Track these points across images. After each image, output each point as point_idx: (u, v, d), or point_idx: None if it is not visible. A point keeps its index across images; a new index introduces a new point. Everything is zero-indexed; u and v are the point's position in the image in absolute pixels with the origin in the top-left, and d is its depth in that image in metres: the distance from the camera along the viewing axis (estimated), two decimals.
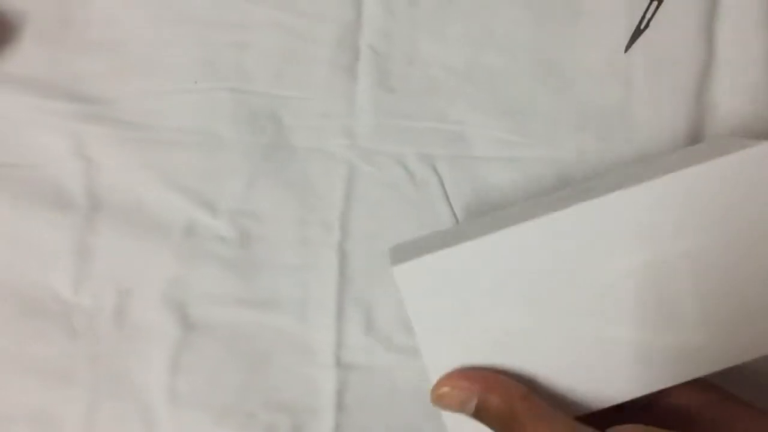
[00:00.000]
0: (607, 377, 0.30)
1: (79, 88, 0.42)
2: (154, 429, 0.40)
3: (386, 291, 0.41)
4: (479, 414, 0.30)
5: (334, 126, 0.42)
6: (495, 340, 0.31)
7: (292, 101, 0.42)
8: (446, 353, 0.31)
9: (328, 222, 0.41)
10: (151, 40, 0.42)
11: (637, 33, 0.39)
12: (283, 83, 0.42)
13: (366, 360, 0.41)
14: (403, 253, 0.32)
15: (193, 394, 0.40)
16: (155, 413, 0.40)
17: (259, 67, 0.42)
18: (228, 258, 0.41)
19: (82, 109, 0.41)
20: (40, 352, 0.40)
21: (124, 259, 0.41)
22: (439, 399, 0.31)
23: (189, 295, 0.41)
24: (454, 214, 0.41)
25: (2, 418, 0.39)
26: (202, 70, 0.42)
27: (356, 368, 0.41)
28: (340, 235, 0.41)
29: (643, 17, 0.39)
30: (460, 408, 0.31)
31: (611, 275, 0.29)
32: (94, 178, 0.41)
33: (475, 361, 0.31)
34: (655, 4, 0.39)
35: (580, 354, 0.30)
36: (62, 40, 0.42)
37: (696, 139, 0.40)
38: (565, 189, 0.36)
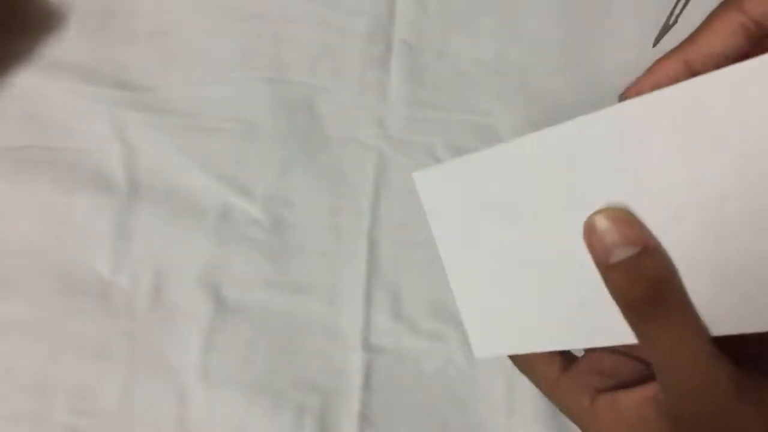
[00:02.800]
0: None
1: (122, 76, 0.43)
2: (187, 405, 0.41)
3: (413, 277, 0.42)
4: (618, 272, 0.25)
5: (366, 116, 0.43)
6: (511, 252, 0.27)
7: (326, 92, 0.43)
8: (467, 261, 0.28)
9: (358, 209, 0.42)
10: (192, 30, 0.44)
11: (666, 28, 0.40)
12: (318, 74, 0.43)
13: (393, 344, 0.42)
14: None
15: (224, 372, 0.41)
16: (188, 390, 0.41)
17: (295, 58, 0.43)
18: (261, 242, 0.42)
19: (124, 96, 0.43)
20: (79, 329, 0.41)
21: (162, 241, 0.42)
22: (589, 230, 0.25)
23: (223, 277, 0.42)
24: None
25: (42, 390, 0.41)
26: (241, 60, 0.43)
27: (383, 351, 0.42)
28: (370, 222, 0.42)
29: (672, 12, 0.40)
30: (604, 253, 0.25)
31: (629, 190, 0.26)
32: (135, 162, 0.43)
33: (495, 270, 0.28)
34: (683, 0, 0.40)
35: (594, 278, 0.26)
36: (107, 29, 0.44)
37: None
38: None
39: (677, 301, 0.25)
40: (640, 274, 0.25)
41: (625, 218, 0.25)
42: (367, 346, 0.42)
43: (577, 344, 0.27)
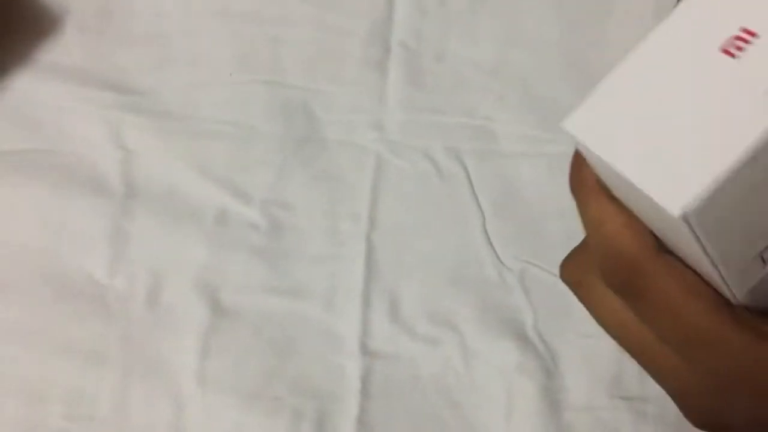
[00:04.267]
0: None
1: (118, 79, 0.43)
2: (184, 410, 0.41)
3: (412, 281, 0.42)
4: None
5: (364, 120, 0.43)
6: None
7: (324, 95, 0.43)
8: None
9: (356, 213, 0.42)
10: (189, 32, 0.43)
11: None
12: (315, 77, 0.43)
13: (391, 348, 0.41)
14: None
15: (221, 377, 0.41)
16: (185, 395, 0.41)
17: (293, 60, 0.43)
18: (258, 246, 0.42)
19: (120, 98, 0.43)
20: (75, 333, 0.41)
21: (158, 245, 0.42)
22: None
23: (220, 281, 0.42)
24: (480, 208, 0.42)
25: (38, 396, 0.40)
26: (239, 62, 0.43)
27: (381, 356, 0.41)
28: (368, 226, 0.42)
29: None
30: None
31: None
32: (131, 165, 0.43)
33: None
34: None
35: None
36: (103, 31, 0.43)
37: None
38: None
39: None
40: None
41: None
42: (366, 351, 0.41)
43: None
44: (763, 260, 0.24)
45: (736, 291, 0.24)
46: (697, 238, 0.21)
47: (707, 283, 0.24)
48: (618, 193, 0.24)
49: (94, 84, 0.43)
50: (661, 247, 0.25)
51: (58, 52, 0.43)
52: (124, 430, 0.40)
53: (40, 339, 0.41)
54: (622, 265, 0.25)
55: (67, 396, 0.41)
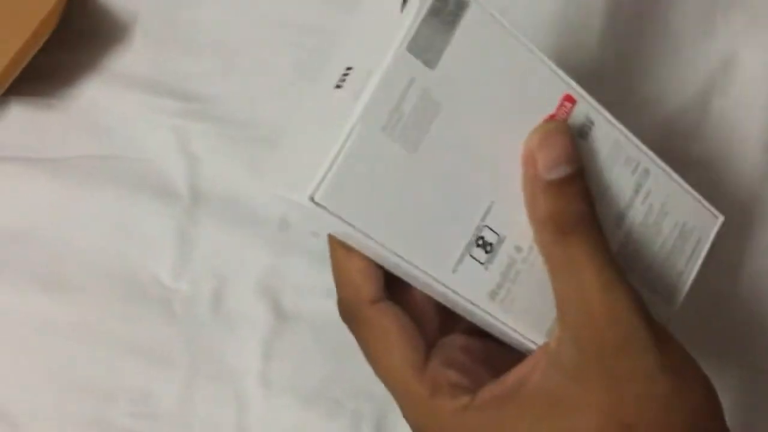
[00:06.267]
0: None
1: (183, 87, 0.44)
2: (246, 411, 0.42)
3: None
4: (556, 188, 0.25)
5: None
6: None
7: None
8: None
9: None
10: (252, 42, 0.45)
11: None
12: None
13: None
14: None
15: (283, 379, 0.42)
16: (248, 396, 0.42)
17: None
18: (319, 252, 0.43)
19: (186, 106, 0.44)
20: (141, 334, 0.42)
21: (222, 250, 0.43)
22: (531, 143, 0.26)
23: (281, 285, 0.43)
24: None
25: (105, 395, 0.42)
26: (299, 73, 0.44)
27: None
28: None
29: None
30: (545, 168, 0.25)
31: None
32: (197, 172, 0.44)
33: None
34: None
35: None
36: (170, 41, 0.45)
37: None
38: None
39: (598, 227, 0.25)
40: (577, 193, 0.25)
41: (568, 134, 0.25)
42: None
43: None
44: (472, 257, 0.26)
45: (463, 291, 0.26)
46: (354, 227, 0.24)
47: (410, 335, 0.27)
48: (346, 239, 0.27)
49: (161, 91, 0.44)
50: (379, 296, 0.27)
51: (127, 60, 0.44)
52: (189, 429, 0.42)
53: (107, 339, 0.42)
54: (342, 311, 0.28)
55: (133, 395, 0.42)
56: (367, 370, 0.42)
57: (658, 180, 0.30)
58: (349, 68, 0.26)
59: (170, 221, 0.43)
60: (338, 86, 0.26)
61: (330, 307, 0.43)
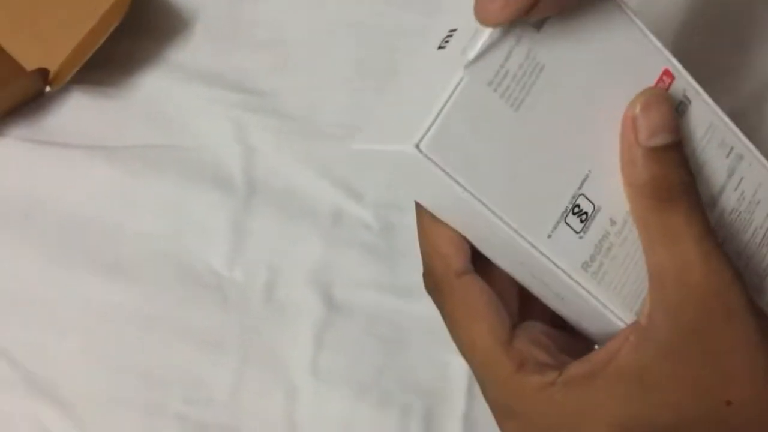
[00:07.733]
0: None
1: (243, 81, 0.45)
2: (296, 399, 0.42)
3: None
4: (657, 155, 0.25)
5: None
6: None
7: None
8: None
9: None
10: (310, 39, 0.46)
11: None
12: None
13: None
14: None
15: (333, 370, 0.43)
16: (298, 385, 0.42)
17: None
18: (371, 245, 0.44)
19: (245, 99, 0.45)
20: (194, 321, 0.43)
21: (276, 240, 0.44)
22: (633, 109, 0.25)
23: (334, 277, 0.44)
24: None
25: (158, 380, 0.42)
26: (355, 69, 0.45)
27: None
28: None
29: None
30: (648, 133, 0.24)
31: None
32: (253, 163, 0.44)
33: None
34: None
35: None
36: (230, 36, 0.46)
37: None
38: None
39: (698, 197, 0.25)
40: (679, 162, 0.25)
41: (671, 104, 0.25)
42: None
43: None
44: (568, 224, 0.25)
45: (557, 259, 0.25)
46: (457, 182, 0.23)
47: (497, 309, 0.26)
48: (436, 211, 0.26)
49: (220, 84, 0.45)
50: (467, 268, 0.26)
51: (188, 53, 0.45)
52: (240, 416, 0.42)
53: (161, 324, 0.43)
54: (428, 282, 0.27)
55: (185, 381, 0.42)
56: (417, 364, 0.43)
57: (752, 167, 0.28)
58: (452, 30, 0.26)
59: (226, 210, 0.44)
60: (441, 47, 0.25)
61: (381, 300, 0.44)
